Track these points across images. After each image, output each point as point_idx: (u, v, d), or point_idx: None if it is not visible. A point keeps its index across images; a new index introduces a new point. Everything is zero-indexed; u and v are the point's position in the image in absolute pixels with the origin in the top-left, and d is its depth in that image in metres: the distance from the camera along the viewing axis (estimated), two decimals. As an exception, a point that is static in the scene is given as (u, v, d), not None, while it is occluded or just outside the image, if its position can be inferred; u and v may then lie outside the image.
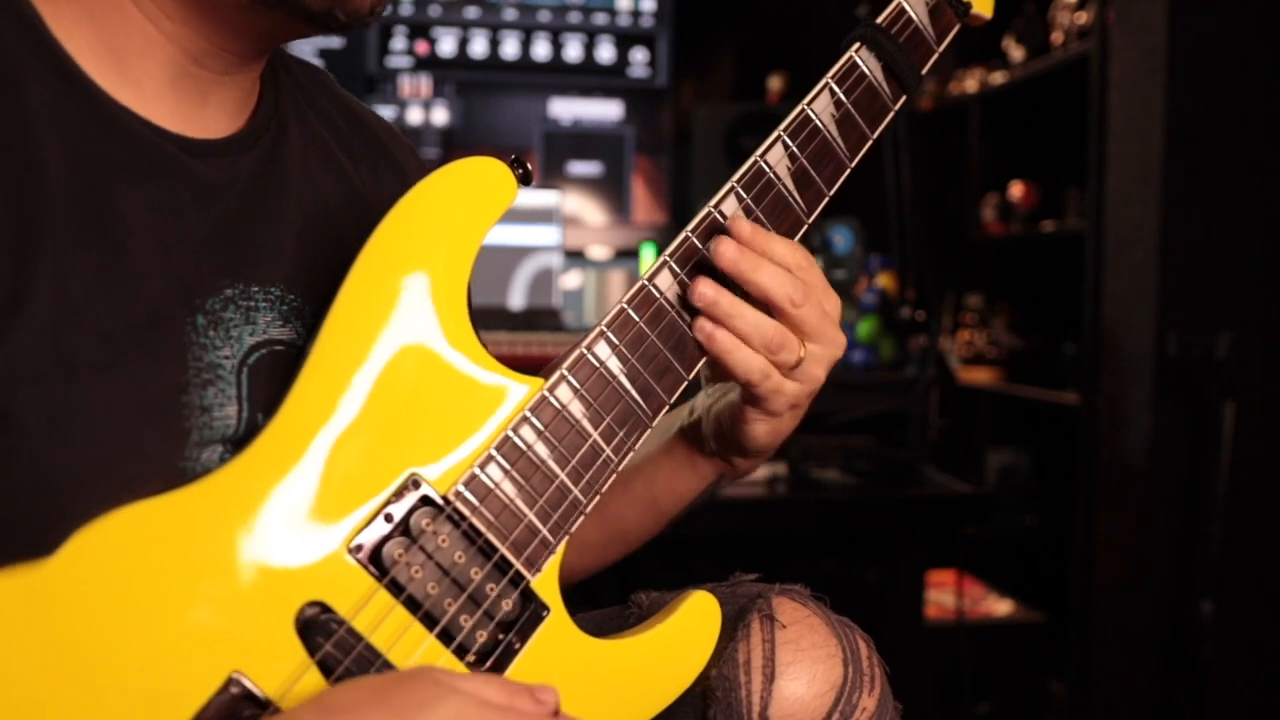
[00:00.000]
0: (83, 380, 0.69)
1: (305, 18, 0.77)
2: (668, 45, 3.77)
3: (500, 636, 0.75)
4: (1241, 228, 2.39)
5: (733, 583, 0.91)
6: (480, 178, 0.79)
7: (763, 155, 0.88)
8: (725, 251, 0.83)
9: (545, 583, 0.78)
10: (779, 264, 0.85)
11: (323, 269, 0.82)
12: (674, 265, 0.84)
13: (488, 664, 0.75)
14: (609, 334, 0.82)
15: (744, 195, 0.87)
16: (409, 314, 0.76)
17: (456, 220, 0.78)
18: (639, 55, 3.76)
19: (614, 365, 0.82)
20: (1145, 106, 2.43)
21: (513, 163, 0.80)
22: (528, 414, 0.78)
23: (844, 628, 0.87)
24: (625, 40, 3.75)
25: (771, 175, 0.88)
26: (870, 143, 0.94)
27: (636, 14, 3.75)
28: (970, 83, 3.58)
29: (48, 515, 0.66)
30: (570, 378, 0.80)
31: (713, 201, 0.86)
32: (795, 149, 0.89)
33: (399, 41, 3.66)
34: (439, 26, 3.69)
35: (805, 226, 0.90)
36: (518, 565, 0.76)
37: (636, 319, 0.83)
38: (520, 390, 0.79)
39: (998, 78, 3.39)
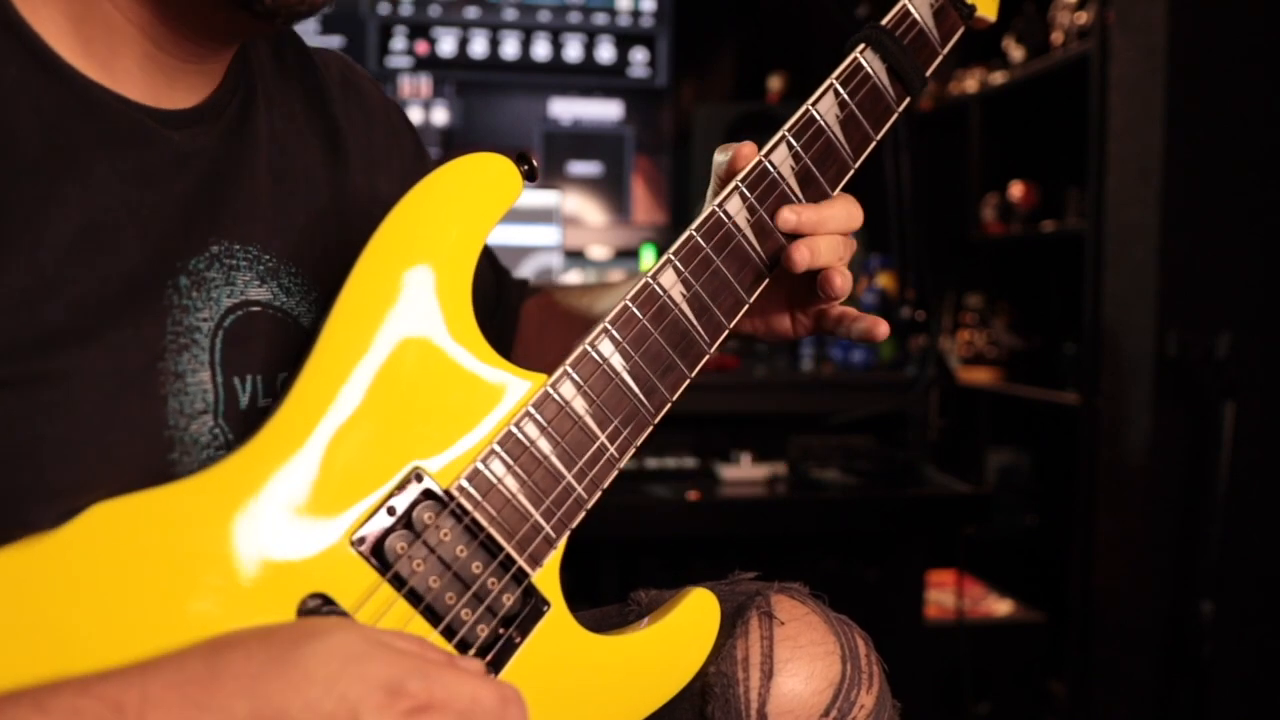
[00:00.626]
0: (60, 351, 0.69)
1: (260, 12, 0.76)
2: (668, 45, 3.77)
3: (501, 631, 0.76)
4: (1241, 228, 2.39)
5: (731, 581, 0.91)
6: (485, 173, 0.80)
7: (767, 155, 0.88)
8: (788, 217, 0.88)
9: (546, 578, 0.78)
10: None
11: (297, 231, 0.83)
12: (677, 263, 0.85)
13: (488, 658, 0.75)
14: (612, 331, 0.82)
15: (748, 194, 0.87)
16: (413, 308, 0.76)
17: (462, 215, 0.79)
18: (639, 55, 3.76)
19: (617, 362, 0.82)
20: (1145, 106, 2.43)
21: (518, 158, 0.81)
22: (531, 409, 0.78)
23: (842, 625, 0.87)
24: (625, 40, 3.75)
25: (776, 175, 0.89)
26: (874, 144, 0.94)
27: (636, 14, 3.75)
28: (970, 83, 3.58)
29: (29, 487, 0.66)
30: (573, 374, 0.80)
31: (717, 200, 0.87)
32: (799, 149, 0.89)
33: (399, 41, 3.66)
34: (439, 26, 3.69)
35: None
36: (520, 560, 0.77)
37: (640, 316, 0.83)
38: (523, 386, 0.79)
39: (998, 78, 3.39)
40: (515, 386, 0.79)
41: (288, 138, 0.87)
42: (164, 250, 0.75)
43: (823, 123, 0.91)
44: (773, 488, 2.11)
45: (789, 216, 0.88)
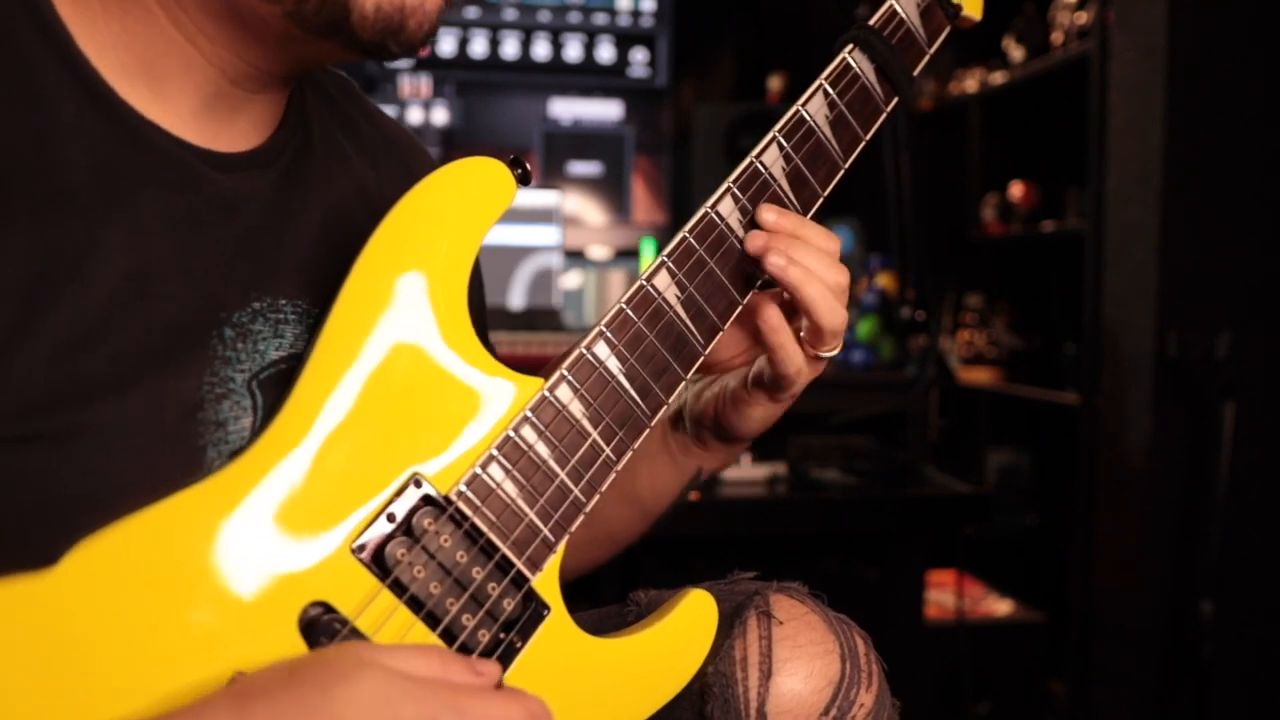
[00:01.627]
0: (96, 401, 0.68)
1: (358, 48, 0.76)
2: (668, 45, 3.77)
3: (502, 636, 0.76)
4: (1241, 228, 2.39)
5: (730, 581, 0.91)
6: (479, 177, 0.80)
7: (758, 156, 0.89)
8: (754, 240, 0.86)
9: (546, 582, 0.78)
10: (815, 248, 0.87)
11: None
12: (671, 266, 0.85)
13: None
14: (608, 334, 0.82)
15: (740, 196, 0.88)
16: (407, 314, 0.76)
17: (455, 220, 0.79)
18: (639, 55, 3.76)
19: (613, 365, 0.82)
20: (1145, 106, 2.43)
21: (511, 162, 0.81)
22: (528, 413, 0.78)
23: (841, 625, 0.87)
24: (625, 40, 3.75)
25: (767, 176, 0.89)
26: (864, 144, 0.94)
27: (636, 14, 3.75)
28: (970, 83, 3.58)
29: (58, 539, 0.65)
30: (570, 377, 0.80)
31: (709, 202, 0.87)
32: (790, 150, 0.90)
33: (399, 41, 3.66)
34: (439, 26, 3.68)
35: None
36: (519, 565, 0.77)
37: (635, 319, 0.84)
38: (520, 390, 0.79)
39: (998, 78, 3.39)
40: (512, 391, 0.79)
41: (339, 182, 0.86)
42: (209, 300, 0.75)
43: (813, 123, 0.91)
44: (773, 488, 2.11)
45: (767, 216, 0.87)
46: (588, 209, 3.77)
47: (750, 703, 0.83)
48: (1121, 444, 2.50)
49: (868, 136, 0.94)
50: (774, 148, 0.89)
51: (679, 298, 0.86)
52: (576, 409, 0.80)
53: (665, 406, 0.84)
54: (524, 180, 0.81)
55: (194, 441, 0.73)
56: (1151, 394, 2.40)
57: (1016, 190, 3.37)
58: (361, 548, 0.72)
